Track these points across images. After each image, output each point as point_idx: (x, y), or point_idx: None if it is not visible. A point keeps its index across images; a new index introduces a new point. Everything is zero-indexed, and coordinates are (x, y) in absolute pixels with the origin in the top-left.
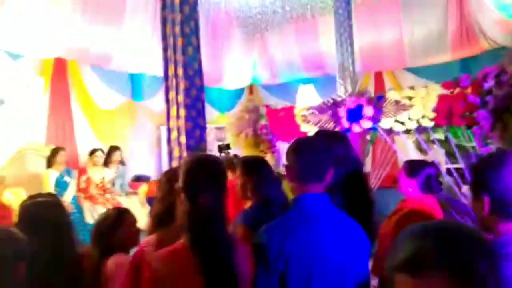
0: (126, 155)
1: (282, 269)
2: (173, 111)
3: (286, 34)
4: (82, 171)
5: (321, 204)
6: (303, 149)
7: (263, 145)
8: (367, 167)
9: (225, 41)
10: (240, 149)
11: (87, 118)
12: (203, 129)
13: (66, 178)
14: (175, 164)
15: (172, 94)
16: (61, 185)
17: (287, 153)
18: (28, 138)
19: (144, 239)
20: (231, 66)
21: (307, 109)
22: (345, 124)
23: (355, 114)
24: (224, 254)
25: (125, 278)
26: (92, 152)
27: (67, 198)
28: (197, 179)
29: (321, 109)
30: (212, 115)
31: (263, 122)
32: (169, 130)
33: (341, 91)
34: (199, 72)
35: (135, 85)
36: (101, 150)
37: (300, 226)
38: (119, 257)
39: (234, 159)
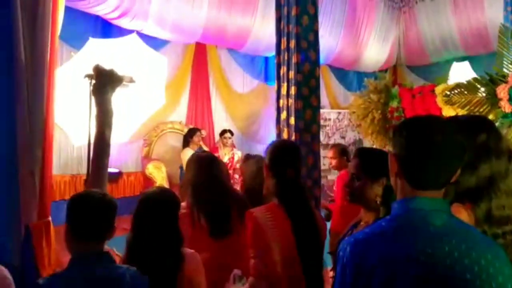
0: (259, 138)
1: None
2: (284, 89)
3: (440, 5)
4: (214, 151)
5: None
6: (425, 135)
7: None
8: None
9: (366, 16)
10: (365, 135)
11: (223, 101)
12: (316, 109)
13: None
14: None
15: (283, 69)
16: None
17: (394, 135)
18: (171, 117)
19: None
20: (371, 44)
21: (452, 87)
22: (506, 107)
23: None
24: (305, 209)
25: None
26: (222, 133)
27: None
28: (284, 158)
29: (472, 88)
30: (348, 99)
31: (394, 104)
32: (278, 110)
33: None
34: (315, 44)
35: (269, 68)
36: (230, 131)
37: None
38: None
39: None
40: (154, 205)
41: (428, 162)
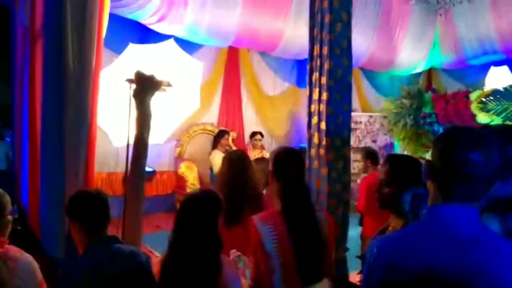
0: (288, 140)
1: None
2: (315, 94)
3: (478, 6)
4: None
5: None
6: (458, 151)
7: (424, 138)
8: None
9: (400, 18)
10: (398, 141)
11: (254, 103)
12: (347, 114)
13: None
14: (313, 152)
15: (315, 75)
16: None
17: (433, 144)
18: (204, 118)
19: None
20: (405, 47)
21: (488, 94)
22: None
23: None
24: (307, 212)
25: None
26: (252, 135)
27: None
28: (285, 165)
29: (509, 94)
30: (380, 102)
31: (427, 110)
32: (310, 115)
33: None
34: (348, 51)
35: (300, 71)
36: (260, 133)
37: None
38: None
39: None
40: (197, 206)
41: (459, 178)
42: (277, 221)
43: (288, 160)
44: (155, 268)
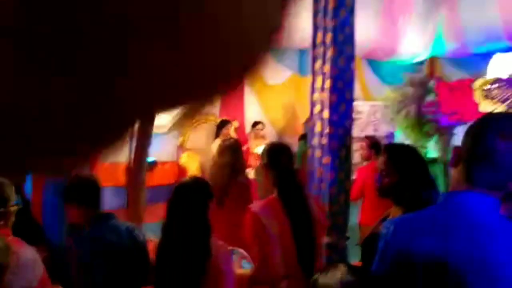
0: (288, 130)
1: None
2: (318, 83)
3: None
4: (245, 142)
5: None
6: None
7: (427, 126)
8: None
9: (403, 4)
10: (400, 130)
11: (255, 92)
12: (349, 103)
13: None
14: (315, 141)
15: (318, 63)
16: None
17: (467, 130)
18: (206, 109)
19: None
20: (408, 34)
21: (491, 82)
22: None
23: None
24: (301, 198)
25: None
26: (254, 125)
27: None
28: (278, 155)
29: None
30: (382, 91)
31: (430, 98)
32: (312, 104)
33: None
34: (350, 38)
35: (302, 59)
36: (262, 123)
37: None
38: None
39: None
40: (187, 194)
41: (487, 165)
42: (275, 206)
43: (280, 150)
44: (152, 253)
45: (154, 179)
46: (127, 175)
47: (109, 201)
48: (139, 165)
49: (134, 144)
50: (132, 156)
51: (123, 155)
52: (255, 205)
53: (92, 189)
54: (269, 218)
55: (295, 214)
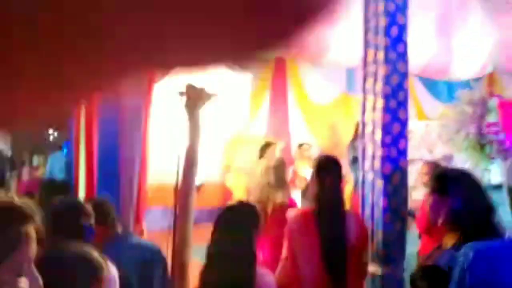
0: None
1: None
2: (369, 102)
3: None
4: (290, 163)
5: None
6: None
7: (488, 147)
8: None
9: (459, 19)
10: (459, 152)
11: (302, 112)
12: (403, 123)
13: None
14: (367, 163)
15: (369, 82)
16: None
17: None
18: (252, 130)
19: None
20: (464, 50)
21: None
22: None
23: None
24: (336, 221)
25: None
26: (301, 145)
27: None
28: (325, 170)
29: None
30: (436, 110)
31: (492, 117)
32: (363, 124)
33: None
34: (404, 55)
35: (351, 77)
36: (308, 143)
37: None
38: None
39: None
40: (234, 220)
41: None
42: (308, 218)
43: (327, 169)
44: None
45: (199, 200)
46: (175, 196)
47: (157, 222)
48: (188, 186)
49: (182, 164)
50: (181, 177)
51: (171, 175)
52: (292, 211)
53: (110, 210)
54: (300, 228)
55: (326, 231)
